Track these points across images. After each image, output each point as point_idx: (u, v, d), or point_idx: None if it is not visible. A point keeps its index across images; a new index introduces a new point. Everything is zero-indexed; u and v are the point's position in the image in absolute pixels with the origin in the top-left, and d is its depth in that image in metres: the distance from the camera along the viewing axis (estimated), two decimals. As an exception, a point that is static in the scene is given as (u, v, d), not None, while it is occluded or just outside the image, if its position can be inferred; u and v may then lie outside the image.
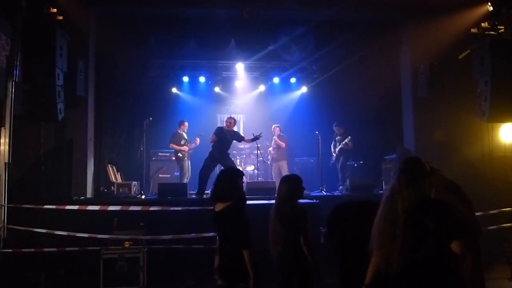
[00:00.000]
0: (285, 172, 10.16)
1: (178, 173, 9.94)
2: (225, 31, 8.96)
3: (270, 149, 10.68)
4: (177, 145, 9.73)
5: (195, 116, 11.24)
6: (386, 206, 2.68)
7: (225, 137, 8.65)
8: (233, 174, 3.71)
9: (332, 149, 10.11)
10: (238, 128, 12.03)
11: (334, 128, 10.10)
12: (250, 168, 10.90)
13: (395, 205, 2.62)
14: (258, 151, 9.92)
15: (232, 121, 8.92)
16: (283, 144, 10.27)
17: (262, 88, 11.97)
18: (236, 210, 3.52)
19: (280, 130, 10.48)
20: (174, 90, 11.52)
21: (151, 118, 9.02)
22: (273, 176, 10.57)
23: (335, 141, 10.08)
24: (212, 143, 8.62)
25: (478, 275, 2.79)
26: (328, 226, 3.57)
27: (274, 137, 10.45)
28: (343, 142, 9.78)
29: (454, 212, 2.63)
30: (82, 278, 6.45)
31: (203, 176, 8.44)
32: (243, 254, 3.42)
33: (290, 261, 3.93)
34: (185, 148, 9.74)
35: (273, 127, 10.54)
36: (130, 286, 6.24)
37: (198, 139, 9.78)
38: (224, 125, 8.97)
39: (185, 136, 9.93)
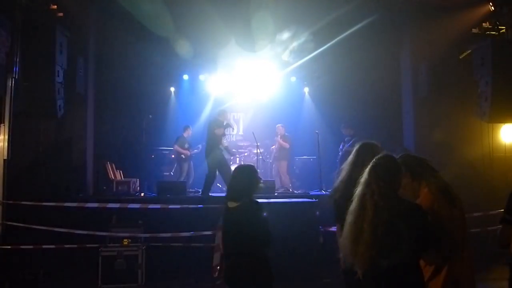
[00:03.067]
0: (284, 171, 10.14)
1: (172, 173, 10.04)
2: (226, 30, 8.94)
3: (273, 147, 10.65)
4: (181, 148, 9.83)
5: (195, 114, 11.24)
6: (358, 202, 2.55)
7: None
8: (250, 171, 3.53)
9: (340, 148, 10.03)
10: (238, 126, 12.03)
11: (342, 130, 10.00)
12: (249, 167, 10.87)
13: (366, 202, 2.50)
14: (258, 150, 9.90)
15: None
16: (287, 145, 10.24)
17: (261, 86, 11.94)
18: (255, 207, 3.34)
19: (284, 130, 10.45)
20: (174, 88, 11.50)
21: (150, 116, 9.00)
22: (273, 175, 10.56)
23: (344, 141, 10.00)
24: (218, 140, 8.41)
25: (470, 274, 2.78)
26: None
27: (277, 137, 10.41)
28: (348, 144, 9.69)
29: (429, 221, 2.53)
30: (80, 275, 6.44)
31: (213, 178, 8.35)
32: (254, 255, 3.26)
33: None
34: (188, 152, 9.84)
35: (277, 127, 10.50)
36: (128, 283, 6.25)
37: (200, 146, 9.86)
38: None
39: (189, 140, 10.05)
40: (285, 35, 9.18)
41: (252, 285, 3.29)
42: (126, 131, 10.05)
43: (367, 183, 2.55)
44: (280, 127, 10.44)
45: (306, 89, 11.87)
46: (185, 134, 10.05)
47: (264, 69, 11.59)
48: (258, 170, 9.58)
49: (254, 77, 11.82)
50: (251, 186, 3.41)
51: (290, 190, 9.56)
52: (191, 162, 10.03)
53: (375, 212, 2.45)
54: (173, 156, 10.09)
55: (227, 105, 12.05)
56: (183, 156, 9.82)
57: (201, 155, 9.35)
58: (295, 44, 9.41)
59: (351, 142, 9.70)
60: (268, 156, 10.82)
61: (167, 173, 10.23)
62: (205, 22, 8.95)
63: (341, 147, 10.02)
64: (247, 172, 3.51)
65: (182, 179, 9.67)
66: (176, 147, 9.84)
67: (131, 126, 10.05)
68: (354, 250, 2.48)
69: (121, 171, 9.42)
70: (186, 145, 9.94)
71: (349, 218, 2.57)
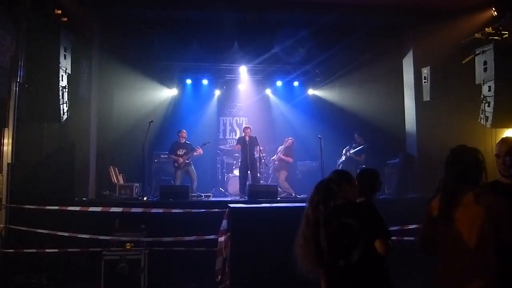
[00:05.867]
0: (282, 179, 10.09)
1: (173, 181, 9.76)
2: (229, 34, 8.96)
3: (274, 158, 10.60)
4: (174, 155, 9.61)
5: (198, 119, 11.26)
6: (306, 216, 2.83)
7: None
8: (371, 175, 3.69)
9: (344, 152, 10.02)
10: (240, 130, 12.04)
11: (355, 137, 9.91)
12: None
13: (314, 213, 2.78)
14: (261, 154, 9.89)
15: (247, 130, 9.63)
16: (289, 160, 10.25)
17: (265, 91, 11.98)
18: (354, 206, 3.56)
19: (293, 144, 10.38)
20: (177, 92, 11.53)
21: (152, 121, 9.01)
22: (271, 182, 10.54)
23: (350, 146, 9.94)
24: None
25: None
26: None
27: (279, 154, 10.35)
28: (354, 151, 9.69)
29: (377, 213, 2.81)
30: (83, 279, 6.43)
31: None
32: None
33: None
34: (179, 159, 9.53)
35: (286, 140, 10.41)
36: (131, 287, 6.23)
37: (200, 149, 9.69)
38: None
39: (186, 144, 9.77)
40: (288, 39, 9.18)
41: None
42: (129, 135, 10.08)
43: (311, 197, 2.85)
44: (289, 141, 10.34)
45: (309, 93, 11.90)
46: (180, 139, 9.75)
47: (266, 73, 11.64)
48: (260, 175, 9.75)
49: (256, 80, 11.88)
50: (370, 187, 3.57)
51: (293, 194, 9.54)
52: (191, 168, 9.67)
53: (323, 216, 2.70)
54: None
55: (230, 109, 12.16)
56: (176, 164, 9.55)
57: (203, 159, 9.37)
58: (297, 48, 9.41)
59: (357, 150, 9.70)
60: (270, 161, 10.81)
61: (164, 178, 10.13)
62: (207, 26, 8.99)
63: (344, 151, 10.01)
64: (367, 175, 3.66)
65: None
66: (169, 154, 9.68)
67: (133, 131, 10.08)
68: (311, 256, 2.74)
69: (123, 175, 9.43)
70: (180, 151, 9.60)
71: (302, 226, 2.84)
